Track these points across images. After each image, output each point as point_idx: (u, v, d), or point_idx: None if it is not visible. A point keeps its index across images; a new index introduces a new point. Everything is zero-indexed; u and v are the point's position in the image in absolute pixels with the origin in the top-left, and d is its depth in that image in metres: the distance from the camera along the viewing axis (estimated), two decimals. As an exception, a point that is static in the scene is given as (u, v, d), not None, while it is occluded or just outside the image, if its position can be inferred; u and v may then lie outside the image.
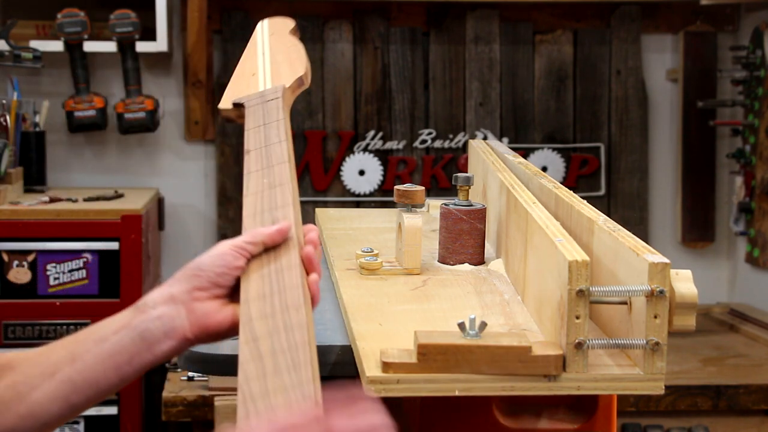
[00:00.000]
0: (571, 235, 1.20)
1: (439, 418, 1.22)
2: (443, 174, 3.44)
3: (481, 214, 1.53)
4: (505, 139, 3.44)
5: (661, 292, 1.08)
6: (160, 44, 3.19)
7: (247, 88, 1.50)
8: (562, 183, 1.61)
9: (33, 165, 3.21)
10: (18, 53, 3.09)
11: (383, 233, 1.76)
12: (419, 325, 1.24)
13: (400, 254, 1.50)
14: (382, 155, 3.44)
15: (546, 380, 1.10)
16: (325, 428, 0.84)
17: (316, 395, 0.91)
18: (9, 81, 3.16)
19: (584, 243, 1.25)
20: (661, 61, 3.54)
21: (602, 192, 3.49)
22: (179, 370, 2.66)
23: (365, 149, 3.43)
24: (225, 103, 1.49)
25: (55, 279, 2.90)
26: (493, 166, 1.66)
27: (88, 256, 2.91)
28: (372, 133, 3.43)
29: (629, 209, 3.50)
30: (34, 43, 3.15)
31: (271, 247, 1.12)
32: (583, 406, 1.22)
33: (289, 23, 1.72)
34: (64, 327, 2.90)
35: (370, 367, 1.11)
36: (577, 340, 1.09)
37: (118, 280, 2.91)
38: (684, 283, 1.11)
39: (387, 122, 3.44)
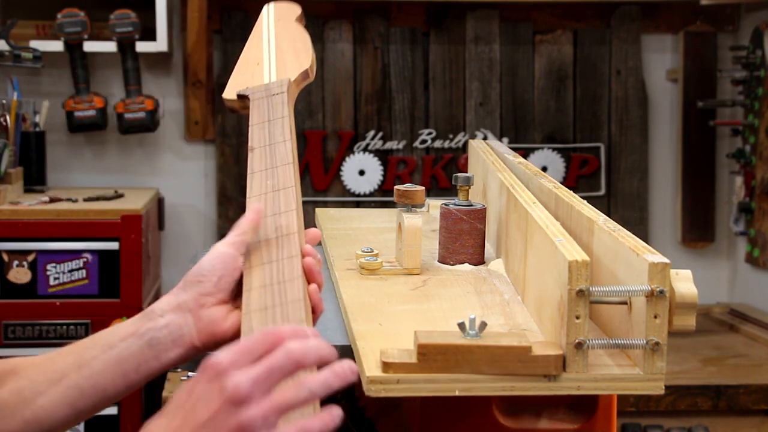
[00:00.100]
0: (571, 235, 1.20)
1: (439, 418, 1.22)
2: (443, 174, 3.44)
3: (481, 214, 1.53)
4: (505, 139, 3.44)
5: (661, 292, 1.08)
6: (160, 44, 3.19)
7: (251, 78, 1.49)
8: (562, 183, 1.61)
9: (33, 165, 3.21)
10: (18, 53, 3.09)
11: (383, 233, 1.75)
12: (419, 325, 1.24)
13: (400, 254, 1.50)
14: (382, 155, 3.44)
15: (546, 380, 1.10)
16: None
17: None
18: (9, 81, 3.16)
19: (584, 243, 1.25)
20: (661, 61, 3.54)
21: (602, 192, 3.49)
22: (179, 370, 2.66)
23: (365, 149, 3.43)
24: (229, 93, 1.48)
25: (55, 279, 2.90)
26: (493, 166, 1.66)
27: (88, 256, 2.91)
28: (372, 133, 3.43)
29: (629, 209, 3.50)
30: (34, 43, 3.15)
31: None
32: (583, 406, 1.22)
33: (295, 9, 1.71)
34: (64, 327, 2.89)
35: (370, 367, 1.11)
36: (577, 340, 1.09)
37: (118, 280, 2.91)
38: (684, 283, 1.11)
39: (387, 122, 3.44)
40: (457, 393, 1.10)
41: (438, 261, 1.55)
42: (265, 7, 1.72)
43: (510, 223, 1.46)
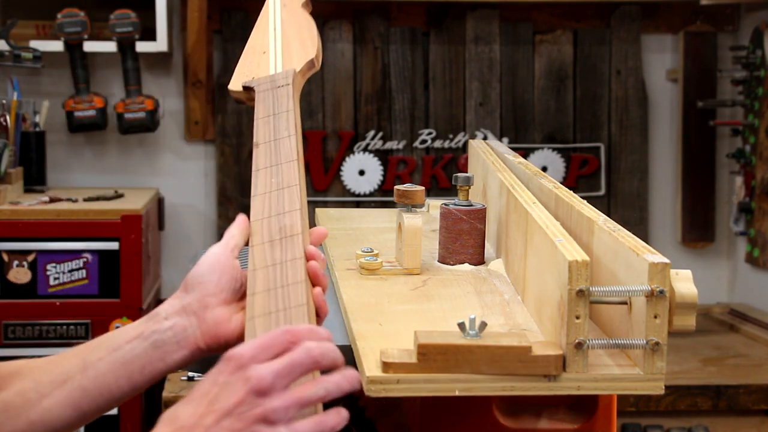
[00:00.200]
0: (571, 235, 1.20)
1: (439, 418, 1.22)
2: (443, 174, 3.44)
3: (481, 214, 1.52)
4: (505, 139, 3.44)
5: (661, 292, 1.08)
6: (160, 44, 3.19)
7: (257, 68, 1.49)
8: (562, 183, 1.61)
9: (33, 165, 3.21)
10: (18, 53, 3.09)
11: (383, 233, 1.75)
12: (419, 325, 1.24)
13: (400, 254, 1.50)
14: (382, 155, 3.44)
15: (546, 380, 1.10)
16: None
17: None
18: (9, 81, 3.16)
19: (584, 243, 1.25)
20: (661, 61, 3.54)
21: (602, 192, 3.49)
22: (179, 370, 2.66)
23: (365, 149, 3.43)
24: (235, 84, 1.48)
25: (55, 279, 2.90)
26: (493, 166, 1.65)
27: (88, 256, 2.91)
28: (372, 133, 3.43)
29: (629, 209, 3.50)
30: (34, 43, 3.15)
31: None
32: (583, 406, 1.21)
33: None
34: (64, 327, 2.90)
35: (370, 367, 1.11)
36: (577, 340, 1.09)
37: (118, 280, 2.91)
38: (684, 283, 1.11)
39: (387, 122, 3.44)
40: (457, 393, 1.10)
41: (438, 261, 1.55)
42: None
43: (510, 223, 1.46)
